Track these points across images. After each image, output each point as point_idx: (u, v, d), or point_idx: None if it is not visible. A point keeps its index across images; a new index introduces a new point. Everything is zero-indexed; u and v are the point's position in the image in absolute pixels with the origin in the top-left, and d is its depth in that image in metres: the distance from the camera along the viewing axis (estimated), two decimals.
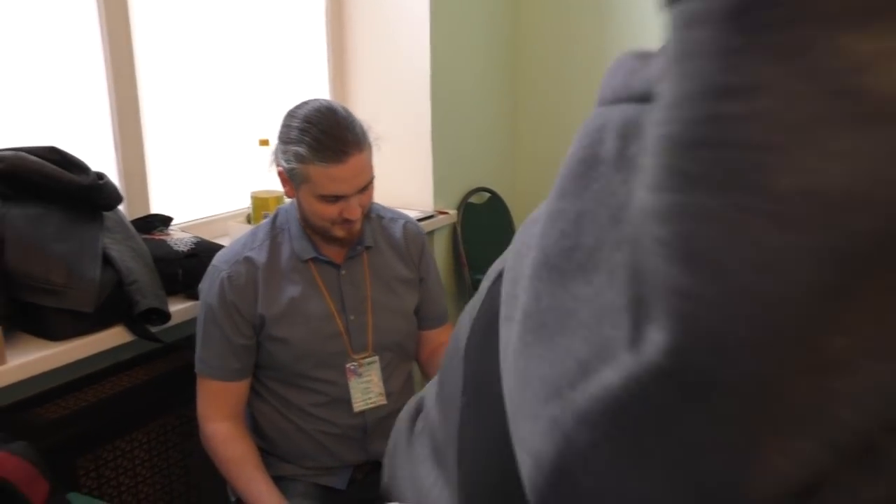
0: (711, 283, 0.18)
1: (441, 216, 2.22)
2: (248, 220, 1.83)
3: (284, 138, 1.30)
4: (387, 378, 1.41)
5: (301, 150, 1.25)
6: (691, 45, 0.18)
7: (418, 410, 0.44)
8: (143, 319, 1.35)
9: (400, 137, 2.11)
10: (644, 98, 0.23)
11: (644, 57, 0.26)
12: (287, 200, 1.85)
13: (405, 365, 1.49)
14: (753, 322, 0.18)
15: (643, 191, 0.20)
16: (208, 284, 1.35)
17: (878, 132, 0.16)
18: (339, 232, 1.32)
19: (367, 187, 1.31)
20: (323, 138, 1.24)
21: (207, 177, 1.88)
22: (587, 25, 2.45)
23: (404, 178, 2.22)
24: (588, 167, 0.25)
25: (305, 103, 1.31)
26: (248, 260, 1.34)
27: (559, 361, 0.23)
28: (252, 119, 1.97)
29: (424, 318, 1.51)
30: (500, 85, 2.54)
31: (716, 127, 0.17)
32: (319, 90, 2.21)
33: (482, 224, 2.45)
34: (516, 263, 0.29)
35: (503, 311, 0.29)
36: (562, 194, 0.26)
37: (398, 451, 0.44)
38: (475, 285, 2.35)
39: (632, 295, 0.20)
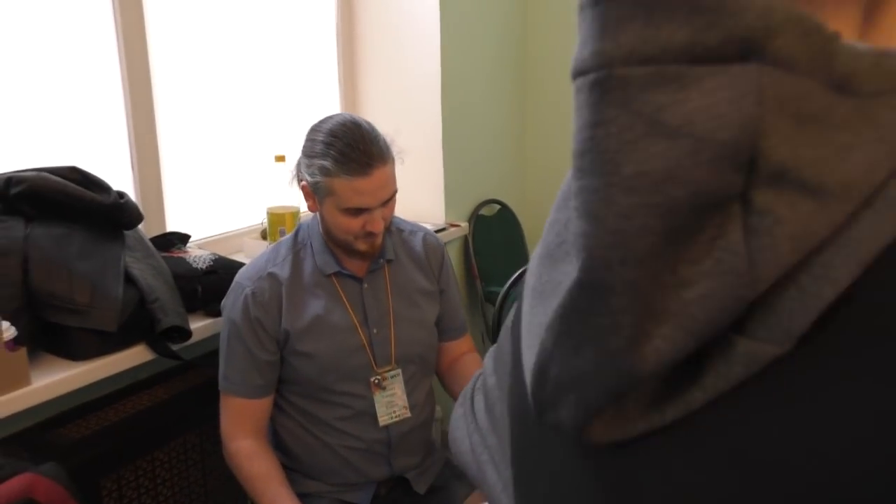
0: (597, 227, 0.30)
1: (453, 228, 2.22)
2: (263, 236, 1.84)
3: (309, 152, 1.30)
4: (410, 391, 1.40)
5: (326, 163, 1.25)
6: (578, 101, 0.31)
7: (473, 385, 0.60)
8: (164, 337, 1.35)
9: (411, 151, 2.11)
10: None
11: None
12: (304, 216, 1.86)
13: (427, 378, 1.48)
14: (622, 249, 0.29)
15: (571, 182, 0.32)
16: (232, 301, 1.35)
17: (673, 142, 0.28)
18: (361, 245, 1.32)
19: (390, 200, 1.31)
20: (348, 151, 1.24)
21: (222, 193, 1.89)
22: None
23: (416, 192, 2.23)
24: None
25: (330, 118, 1.31)
26: (271, 276, 1.34)
27: (548, 312, 0.35)
28: (266, 135, 1.97)
29: (445, 329, 1.51)
30: (508, 98, 2.55)
31: (591, 143, 0.30)
32: (330, 106, 2.22)
33: (493, 236, 2.45)
34: (531, 264, 0.42)
35: (524, 293, 0.41)
36: (557, 208, 0.38)
37: (465, 401, 0.59)
38: (487, 297, 2.35)
39: (575, 251, 0.32)
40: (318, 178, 1.27)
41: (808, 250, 0.28)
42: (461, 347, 1.54)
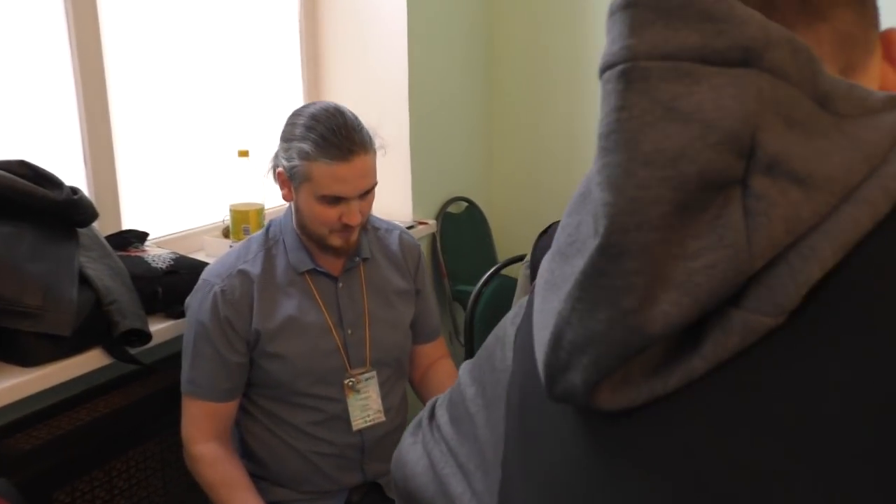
0: (618, 196, 0.33)
1: (420, 226, 2.19)
2: (225, 235, 1.77)
3: (287, 136, 1.24)
4: (385, 394, 1.36)
5: (306, 146, 1.20)
6: (605, 91, 0.35)
7: (433, 405, 0.61)
8: (123, 341, 1.28)
9: (379, 148, 2.08)
10: None
11: None
12: (269, 213, 1.80)
13: (402, 381, 1.44)
14: (639, 215, 0.33)
15: (594, 163, 0.36)
16: (199, 300, 1.28)
17: (685, 125, 0.33)
18: (336, 240, 1.27)
19: (368, 193, 1.26)
20: (329, 136, 1.19)
21: (181, 189, 1.81)
22: (560, 39, 2.47)
23: (384, 189, 2.17)
24: (584, 197, 0.40)
25: (312, 104, 1.27)
26: (242, 273, 1.28)
27: (561, 299, 0.38)
28: (228, 129, 1.90)
29: (419, 331, 1.47)
30: (475, 95, 2.53)
31: (616, 125, 0.34)
32: (294, 101, 2.16)
33: (460, 233, 2.42)
34: (543, 264, 0.44)
35: (535, 292, 0.44)
36: (568, 213, 0.41)
37: (418, 428, 0.60)
38: (455, 296, 2.31)
39: (593, 228, 0.35)
40: (296, 162, 1.21)
41: (798, 233, 0.32)
42: (435, 352, 1.50)
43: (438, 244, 2.32)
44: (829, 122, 0.33)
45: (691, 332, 0.35)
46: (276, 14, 2.08)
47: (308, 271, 1.31)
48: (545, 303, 0.40)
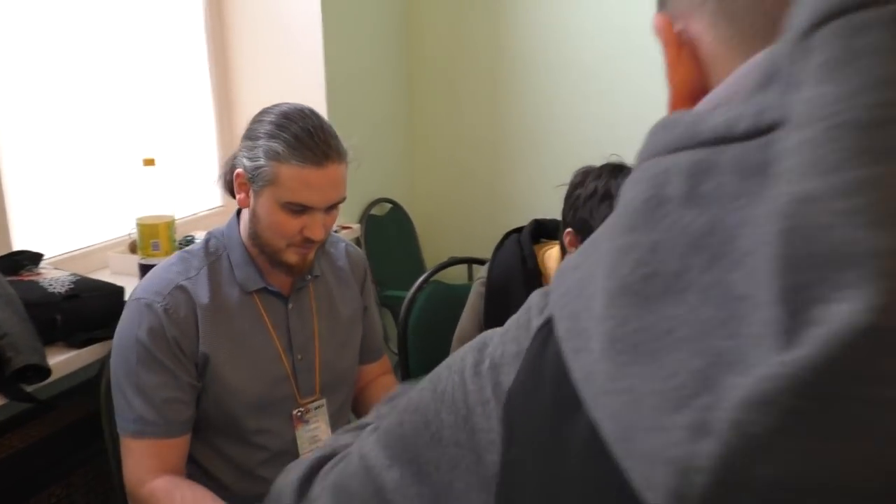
0: None
1: (344, 230, 2.10)
2: (132, 250, 1.63)
3: (253, 135, 1.11)
4: (333, 424, 1.24)
5: (276, 145, 1.07)
6: (858, 48, 0.22)
7: (306, 474, 0.45)
8: (18, 378, 1.14)
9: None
10: (717, 142, 0.28)
11: (696, 114, 0.30)
12: (180, 225, 1.67)
13: (348, 406, 1.34)
14: None
15: (798, 183, 0.23)
16: (135, 322, 1.11)
17: None
18: (292, 256, 1.14)
19: (335, 207, 1.15)
20: (304, 137, 1.07)
21: (79, 202, 1.65)
22: (477, 39, 2.46)
23: None
24: (655, 206, 0.29)
25: (283, 103, 1.14)
26: (183, 290, 1.13)
27: (671, 376, 0.25)
28: (131, 136, 1.76)
29: (365, 350, 1.35)
30: (395, 94, 2.49)
31: (890, 108, 0.21)
32: (203, 103, 2.02)
33: (385, 236, 2.35)
34: (571, 301, 0.31)
35: (568, 346, 0.31)
36: (630, 229, 0.29)
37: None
38: (384, 302, 2.23)
39: (783, 286, 0.23)
40: (262, 163, 1.08)
41: None
42: (377, 370, 1.40)
43: (363, 249, 2.23)
44: None
45: None
46: (179, 12, 1.94)
47: (257, 290, 1.18)
48: (629, 376, 0.27)
